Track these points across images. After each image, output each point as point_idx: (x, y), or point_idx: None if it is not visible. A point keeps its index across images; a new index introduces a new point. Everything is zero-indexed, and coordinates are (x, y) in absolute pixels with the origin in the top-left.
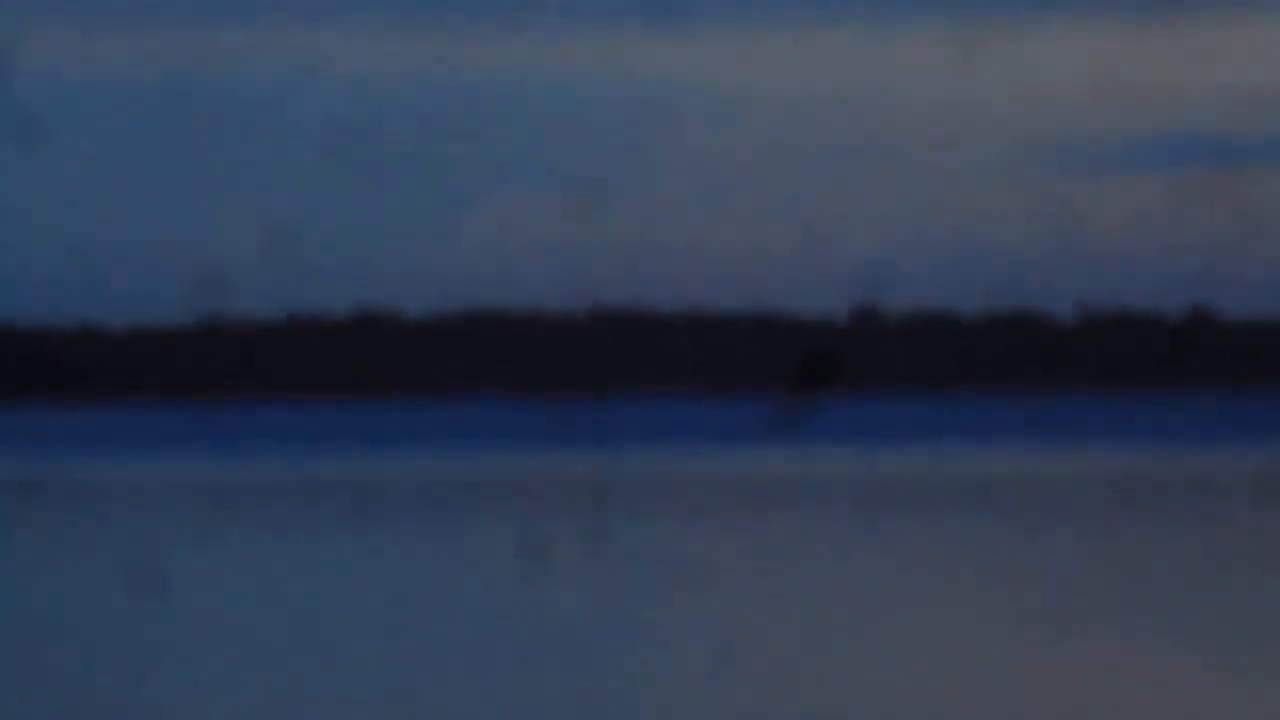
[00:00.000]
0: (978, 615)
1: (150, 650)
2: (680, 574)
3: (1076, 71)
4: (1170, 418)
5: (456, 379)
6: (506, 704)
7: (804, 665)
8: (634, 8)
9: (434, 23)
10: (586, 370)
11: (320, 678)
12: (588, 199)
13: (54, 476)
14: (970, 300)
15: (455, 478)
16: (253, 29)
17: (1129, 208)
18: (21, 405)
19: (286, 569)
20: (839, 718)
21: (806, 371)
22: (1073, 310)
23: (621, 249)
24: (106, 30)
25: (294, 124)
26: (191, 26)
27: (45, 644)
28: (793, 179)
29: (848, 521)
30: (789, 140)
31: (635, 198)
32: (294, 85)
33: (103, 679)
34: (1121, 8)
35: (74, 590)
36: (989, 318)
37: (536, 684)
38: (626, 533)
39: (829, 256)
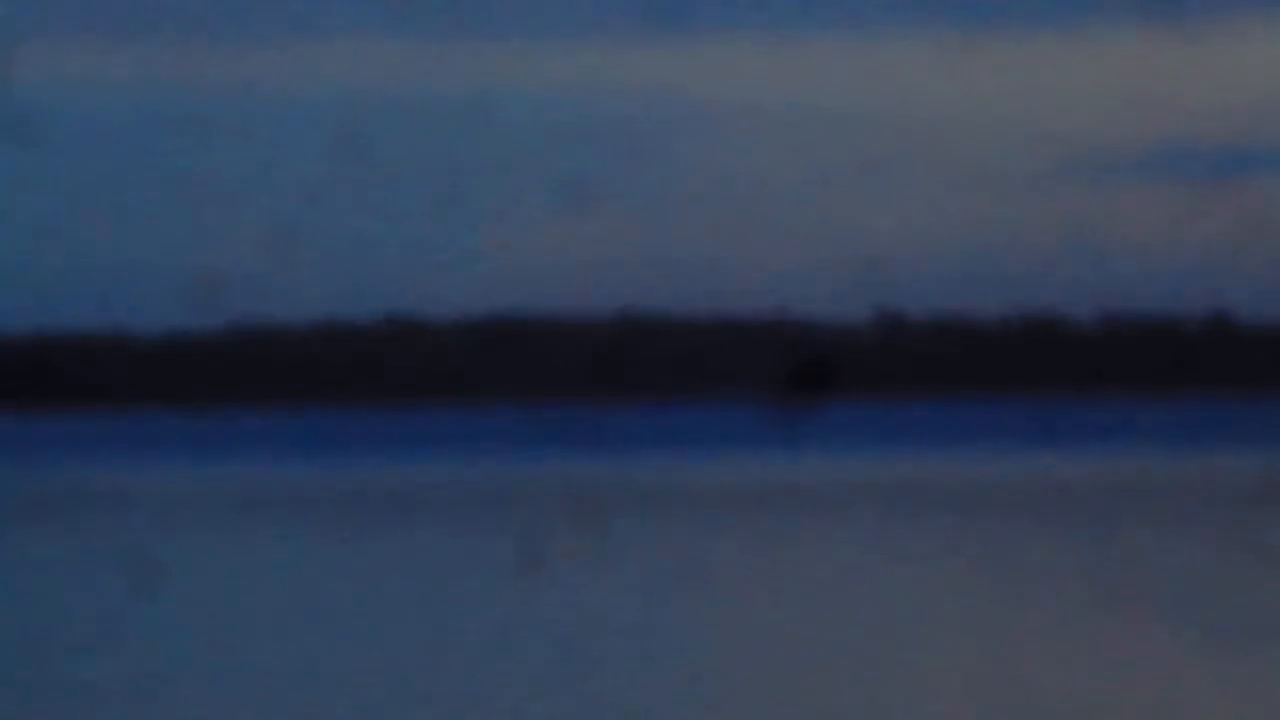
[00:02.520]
0: (995, 622)
1: (160, 658)
2: (701, 585)
3: (1097, 78)
4: (1190, 422)
5: (458, 386)
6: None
7: (815, 679)
8: (651, 19)
9: (438, 32)
10: (602, 377)
11: (319, 688)
12: (602, 207)
13: (81, 484)
14: (991, 305)
15: (449, 485)
16: (254, 39)
17: (1149, 214)
18: (64, 414)
19: (300, 577)
20: None
21: (801, 377)
22: (1094, 315)
23: (634, 256)
24: (109, 38)
25: (298, 132)
26: (194, 37)
27: (53, 647)
28: (810, 187)
29: (867, 528)
30: (805, 149)
31: (650, 206)
32: (297, 95)
33: (104, 686)
34: (1145, 15)
35: (88, 600)
36: (1010, 322)
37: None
38: (658, 542)
39: (850, 262)
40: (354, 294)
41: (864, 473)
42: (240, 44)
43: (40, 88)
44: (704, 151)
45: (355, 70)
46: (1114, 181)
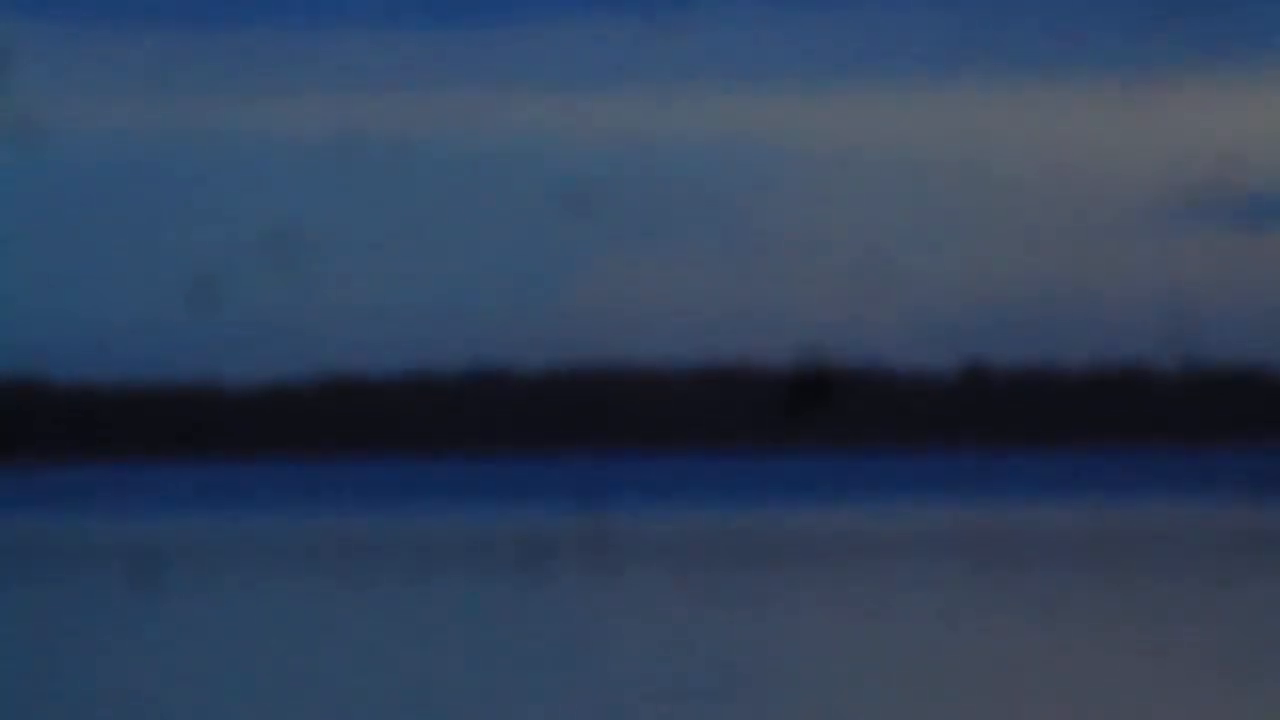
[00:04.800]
0: (1045, 679)
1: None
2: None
3: (1174, 125)
4: (1272, 471)
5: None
6: None
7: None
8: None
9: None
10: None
11: None
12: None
13: (155, 537)
14: (1074, 356)
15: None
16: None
17: (1228, 263)
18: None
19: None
20: None
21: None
22: (1176, 365)
23: (689, 302)
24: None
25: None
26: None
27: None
28: (889, 236)
29: (950, 578)
30: (884, 197)
31: (719, 254)
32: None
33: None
34: (1217, 61)
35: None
36: (1094, 373)
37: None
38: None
39: (934, 313)
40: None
41: (937, 520)
42: (244, 89)
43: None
44: (768, 199)
45: (361, 115)
46: (1193, 228)
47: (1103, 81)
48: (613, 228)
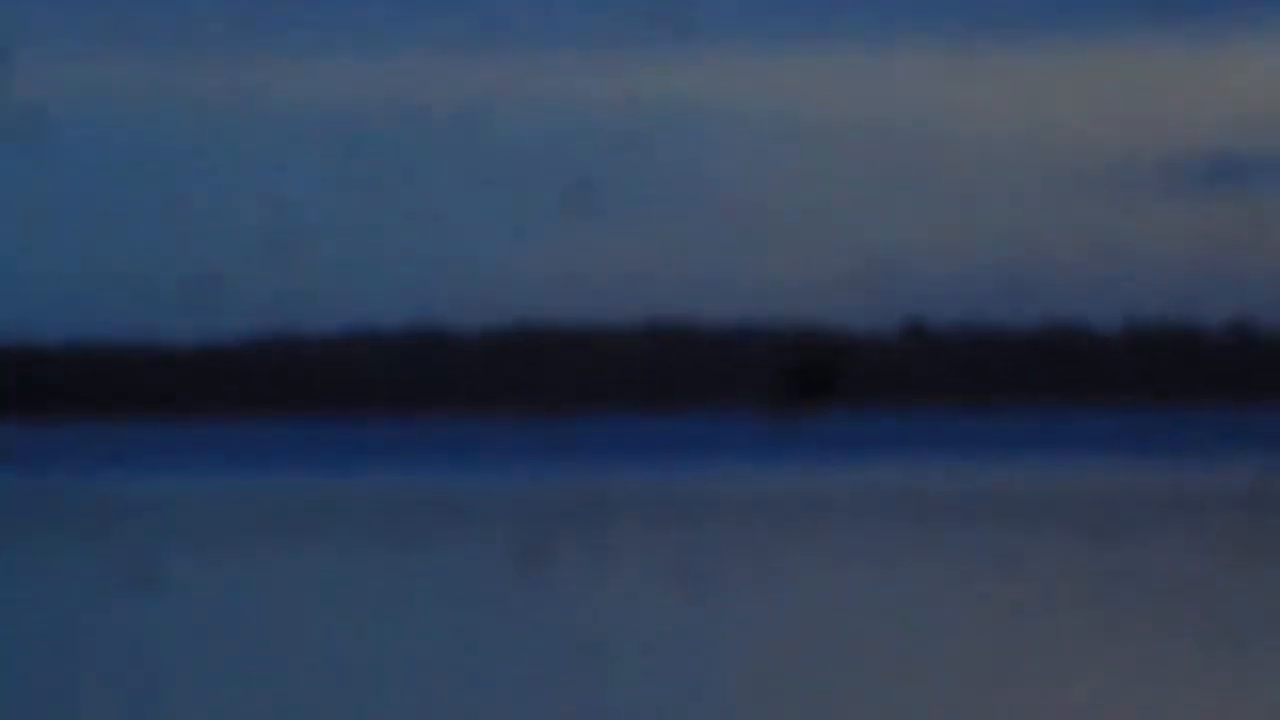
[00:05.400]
0: (1000, 631)
1: (167, 665)
2: (707, 594)
3: (1113, 87)
4: (1213, 432)
5: (460, 396)
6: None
7: (817, 686)
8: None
9: (442, 43)
10: (609, 385)
11: (323, 693)
12: (609, 216)
13: (95, 495)
14: (1016, 314)
15: (450, 494)
16: (256, 49)
17: (1171, 224)
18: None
19: (304, 585)
20: None
21: (800, 382)
22: (1118, 325)
23: (641, 265)
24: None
25: (302, 142)
26: (199, 43)
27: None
28: (825, 196)
29: (877, 535)
30: (818, 158)
31: (657, 214)
32: (301, 105)
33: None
34: (1160, 24)
35: (98, 611)
36: (1035, 332)
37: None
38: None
39: (867, 271)
40: (359, 302)
41: (877, 480)
42: (241, 55)
43: (43, 90)
44: (715, 161)
45: (361, 82)
46: (1132, 191)
47: (1072, 46)
48: (605, 195)
